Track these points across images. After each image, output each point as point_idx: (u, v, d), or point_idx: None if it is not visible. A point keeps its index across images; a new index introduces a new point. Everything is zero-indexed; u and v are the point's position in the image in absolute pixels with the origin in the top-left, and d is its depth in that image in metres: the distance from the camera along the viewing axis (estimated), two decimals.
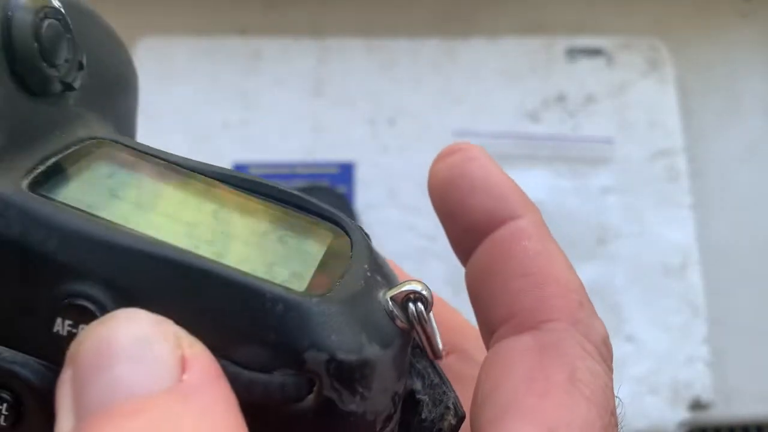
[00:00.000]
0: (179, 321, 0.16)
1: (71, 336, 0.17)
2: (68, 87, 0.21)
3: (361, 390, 0.17)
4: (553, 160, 0.72)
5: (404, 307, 0.19)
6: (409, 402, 0.20)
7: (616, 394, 0.20)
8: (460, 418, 0.21)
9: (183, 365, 0.16)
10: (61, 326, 0.18)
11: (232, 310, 0.17)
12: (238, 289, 0.17)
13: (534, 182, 0.71)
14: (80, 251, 0.17)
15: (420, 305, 0.19)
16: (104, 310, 0.17)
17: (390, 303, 0.19)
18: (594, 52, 0.77)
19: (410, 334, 0.19)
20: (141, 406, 0.16)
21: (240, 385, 0.16)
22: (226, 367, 0.16)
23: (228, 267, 0.17)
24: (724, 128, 0.75)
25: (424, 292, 0.19)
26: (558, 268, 0.21)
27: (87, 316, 0.17)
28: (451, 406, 0.21)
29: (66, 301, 0.17)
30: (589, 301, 0.21)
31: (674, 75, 0.75)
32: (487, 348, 0.21)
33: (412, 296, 0.19)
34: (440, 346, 0.20)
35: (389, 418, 0.19)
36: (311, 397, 0.17)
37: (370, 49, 0.77)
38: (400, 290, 0.19)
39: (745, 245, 0.71)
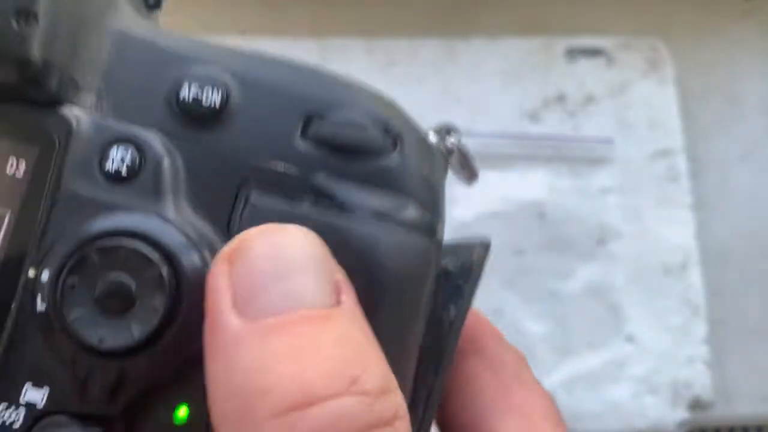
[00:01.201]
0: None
1: (196, 101, 0.22)
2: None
3: (430, 161, 0.24)
4: (553, 160, 0.72)
5: (443, 138, 0.25)
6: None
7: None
8: (486, 246, 0.26)
9: (338, 288, 0.19)
10: (186, 92, 0.22)
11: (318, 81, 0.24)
12: (335, 80, 0.24)
13: (534, 182, 0.71)
14: (201, 49, 0.23)
15: (456, 134, 0.25)
16: (226, 88, 0.22)
17: (432, 135, 0.25)
18: (594, 52, 0.77)
19: (448, 161, 0.25)
20: (317, 318, 0.18)
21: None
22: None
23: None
24: (724, 128, 0.75)
25: (456, 126, 0.25)
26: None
27: (211, 88, 0.22)
28: (476, 245, 0.26)
29: (192, 76, 0.22)
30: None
31: (674, 75, 0.75)
32: None
33: (447, 130, 0.25)
34: (476, 166, 0.27)
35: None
36: (396, 151, 0.23)
37: (370, 49, 0.76)
38: (438, 126, 0.25)
39: (745, 245, 0.71)
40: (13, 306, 0.23)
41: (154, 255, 0.22)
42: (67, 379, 0.23)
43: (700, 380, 0.66)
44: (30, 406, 0.22)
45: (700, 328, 0.68)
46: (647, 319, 0.68)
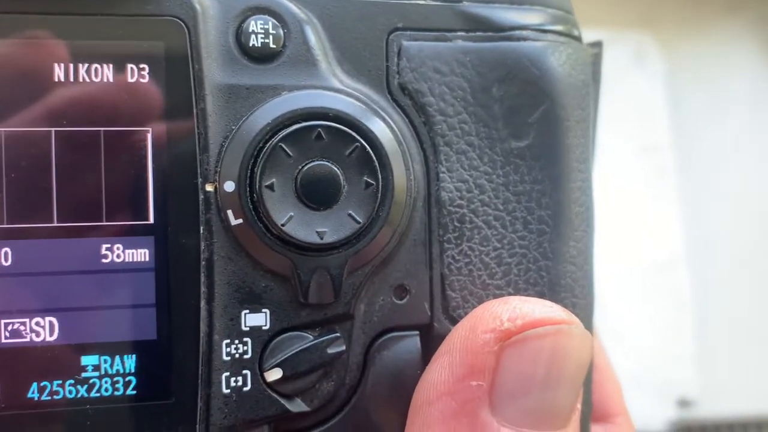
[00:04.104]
0: None
1: None
2: None
3: None
4: None
5: None
6: None
7: None
8: (598, 44, 0.27)
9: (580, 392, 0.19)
10: None
11: None
12: None
13: None
14: None
15: None
16: None
17: None
18: None
19: None
20: None
21: None
22: None
23: None
24: (712, 123, 0.75)
25: None
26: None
27: None
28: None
29: None
30: None
31: (662, 69, 0.75)
32: None
33: None
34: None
35: None
36: None
37: None
38: None
39: (732, 241, 0.71)
40: (201, 229, 0.21)
41: (346, 131, 0.21)
42: (287, 291, 0.21)
43: (687, 378, 0.66)
44: (254, 333, 0.21)
45: (687, 326, 0.68)
46: (633, 316, 0.68)
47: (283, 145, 0.21)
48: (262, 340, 0.21)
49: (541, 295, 0.22)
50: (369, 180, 0.21)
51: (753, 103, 0.76)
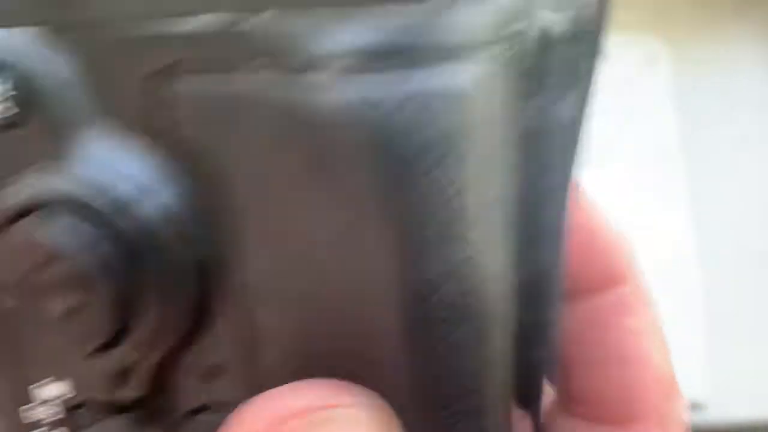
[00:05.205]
0: None
1: None
2: None
3: None
4: None
5: None
6: None
7: None
8: None
9: None
10: None
11: None
12: None
13: None
14: None
15: None
16: None
17: None
18: None
19: None
20: None
21: None
22: None
23: None
24: (720, 125, 0.74)
25: None
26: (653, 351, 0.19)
27: None
28: None
29: None
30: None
31: (671, 72, 0.75)
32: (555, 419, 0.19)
33: None
34: None
35: None
36: None
37: None
38: None
39: (742, 243, 0.71)
40: None
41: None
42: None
43: (697, 382, 0.65)
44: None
45: (697, 329, 0.67)
46: None
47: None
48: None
49: None
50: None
51: (762, 105, 0.75)
